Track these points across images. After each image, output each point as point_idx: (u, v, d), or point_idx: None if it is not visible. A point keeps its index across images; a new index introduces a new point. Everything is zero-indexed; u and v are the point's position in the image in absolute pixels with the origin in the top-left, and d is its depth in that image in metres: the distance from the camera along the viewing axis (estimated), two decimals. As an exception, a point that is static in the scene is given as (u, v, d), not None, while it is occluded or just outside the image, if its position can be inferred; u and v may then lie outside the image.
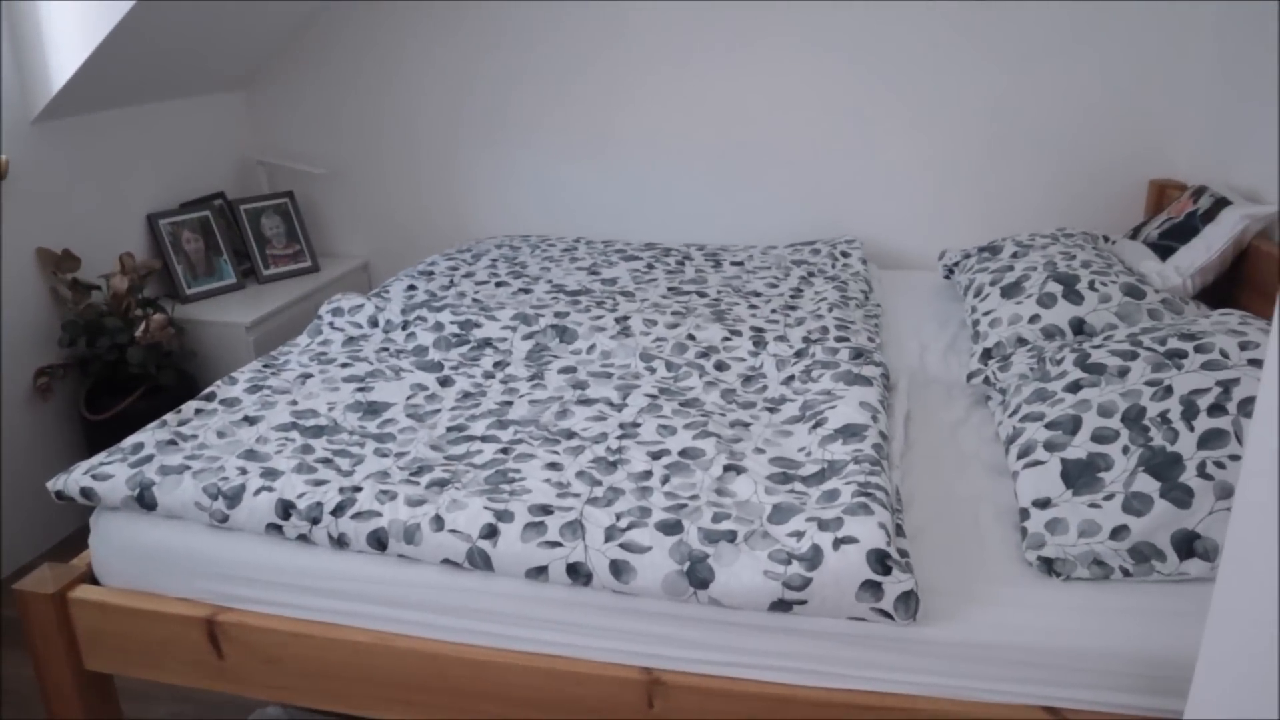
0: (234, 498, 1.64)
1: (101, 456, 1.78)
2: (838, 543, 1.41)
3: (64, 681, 1.73)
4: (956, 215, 3.19)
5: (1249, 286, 2.28)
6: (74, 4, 2.58)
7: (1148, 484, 1.49)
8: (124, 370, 2.79)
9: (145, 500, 1.68)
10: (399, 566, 1.57)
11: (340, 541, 1.58)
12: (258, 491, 1.64)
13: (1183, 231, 2.36)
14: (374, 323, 2.47)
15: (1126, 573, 1.46)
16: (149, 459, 1.75)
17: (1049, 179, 3.09)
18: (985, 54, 3.00)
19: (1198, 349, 1.68)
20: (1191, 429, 1.52)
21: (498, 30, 3.34)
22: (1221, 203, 2.34)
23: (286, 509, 1.61)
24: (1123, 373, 1.72)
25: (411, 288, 2.73)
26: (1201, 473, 1.47)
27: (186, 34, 2.94)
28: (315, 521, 1.59)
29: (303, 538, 1.61)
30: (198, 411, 1.97)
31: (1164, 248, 2.38)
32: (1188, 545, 1.44)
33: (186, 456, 1.76)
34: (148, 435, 1.85)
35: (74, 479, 1.72)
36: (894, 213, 3.24)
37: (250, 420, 1.92)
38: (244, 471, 1.69)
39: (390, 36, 3.44)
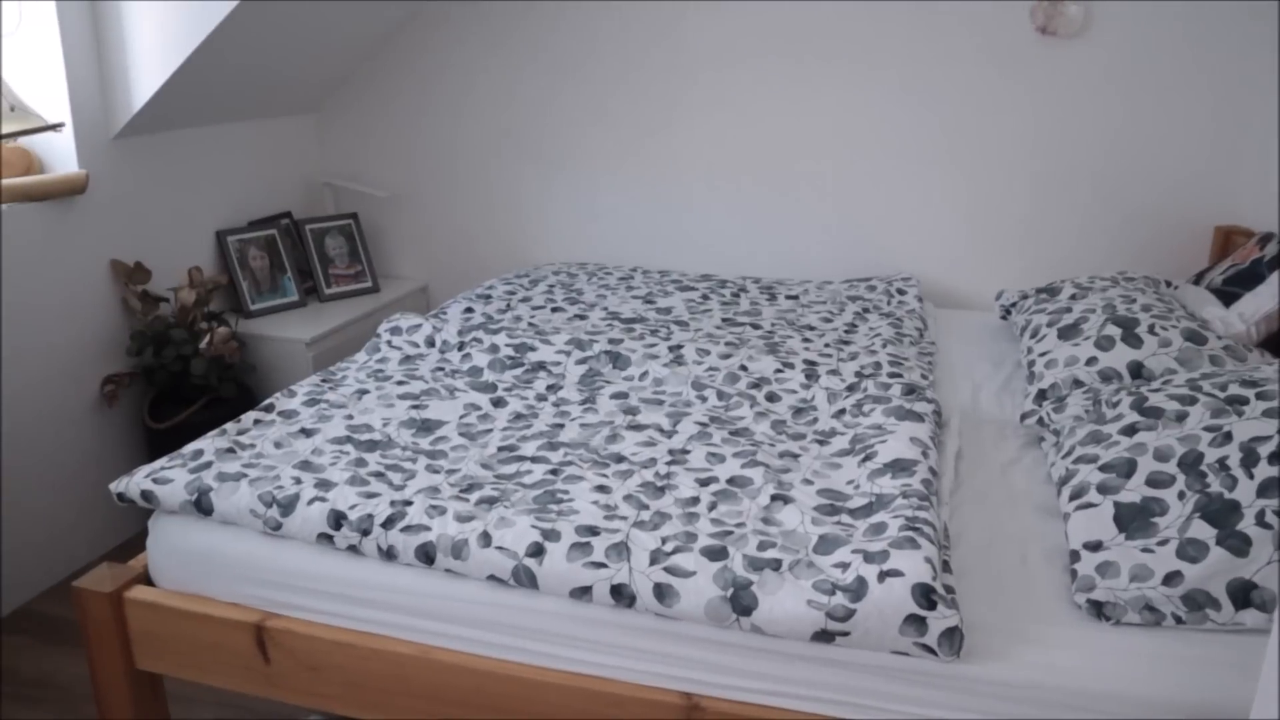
0: (288, 506, 1.67)
1: (162, 461, 1.83)
2: (883, 575, 1.40)
3: (116, 679, 1.77)
4: (1015, 257, 3.17)
5: (1316, 336, 2.24)
6: (156, 28, 2.68)
7: (1204, 530, 1.46)
8: (187, 381, 2.87)
9: (202, 505, 1.72)
10: (445, 581, 1.59)
11: (389, 554, 1.61)
12: (311, 501, 1.67)
13: (1248, 278, 2.32)
14: (431, 343, 2.51)
15: (1179, 620, 1.43)
16: (208, 465, 1.80)
17: (1110, 223, 3.05)
18: (1047, 95, 2.99)
19: (1259, 396, 1.64)
20: (1251, 476, 1.49)
21: (562, 62, 3.40)
22: (1289, 250, 2.30)
23: (338, 519, 1.64)
24: (1181, 417, 1.69)
25: (469, 310, 2.78)
26: (1260, 521, 1.43)
27: (261, 60, 3.04)
28: (365, 533, 1.62)
29: (352, 548, 1.64)
30: (256, 422, 2.02)
31: (1228, 294, 2.34)
32: (1244, 595, 1.41)
33: (244, 464, 1.80)
34: (207, 443, 1.90)
35: (135, 482, 1.77)
36: (952, 252, 3.23)
37: (307, 432, 1.97)
38: (298, 481, 1.73)
39: (456, 65, 3.52)
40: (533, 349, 2.41)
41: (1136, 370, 2.07)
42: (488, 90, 3.53)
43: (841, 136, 3.21)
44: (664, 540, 1.54)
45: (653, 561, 1.49)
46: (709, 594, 1.44)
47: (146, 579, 1.80)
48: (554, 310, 2.82)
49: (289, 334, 3.15)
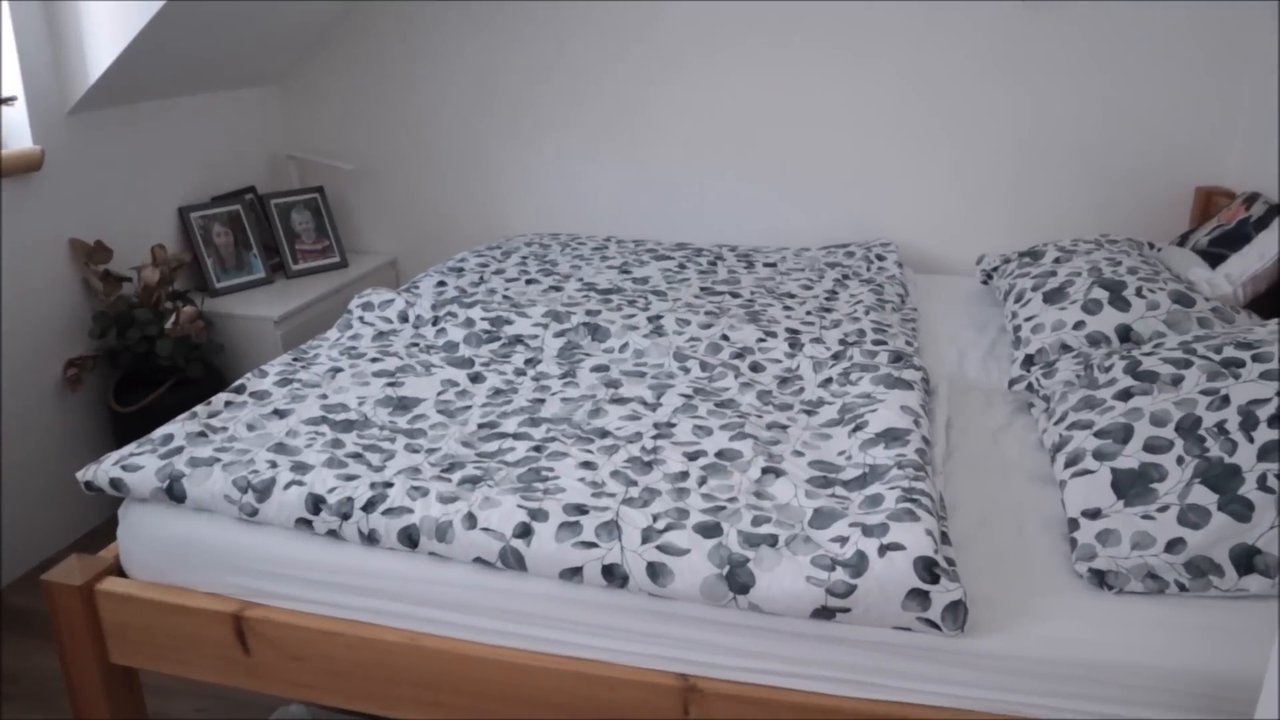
0: (264, 491, 1.61)
1: (131, 447, 1.76)
2: (883, 549, 1.37)
3: (89, 675, 1.71)
4: (994, 220, 3.14)
5: (1302, 296, 2.22)
6: (110, -4, 2.58)
7: (1204, 496, 1.44)
8: (153, 362, 2.78)
9: (174, 492, 1.65)
10: (430, 565, 1.54)
11: (370, 538, 1.55)
12: (288, 485, 1.61)
13: (1234, 239, 2.30)
14: (404, 318, 2.44)
15: (1182, 587, 1.41)
16: (179, 450, 1.73)
17: (1090, 185, 3.03)
18: (1024, 57, 2.94)
19: (1255, 358, 1.62)
20: (1251, 440, 1.47)
21: (529, 27, 3.31)
22: (1276, 209, 2.28)
23: (316, 504, 1.58)
24: (1176, 381, 1.66)
25: (441, 284, 2.71)
26: (1262, 485, 1.41)
27: (221, 28, 2.93)
28: (345, 517, 1.56)
29: (332, 533, 1.58)
30: (228, 404, 1.95)
31: (1214, 255, 2.32)
32: (1247, 560, 1.39)
33: (216, 449, 1.74)
34: (177, 427, 1.83)
35: (104, 470, 1.70)
36: (930, 217, 3.19)
37: (280, 413, 1.90)
38: (274, 465, 1.67)
39: (422, 33, 3.42)
40: (509, 322, 2.35)
41: (1125, 334, 2.05)
42: (454, 60, 3.43)
43: (816, 104, 3.16)
44: (655, 517, 1.50)
45: (645, 540, 1.45)
46: (704, 572, 1.40)
47: (118, 570, 1.73)
48: (528, 282, 2.76)
49: (257, 312, 3.07)
